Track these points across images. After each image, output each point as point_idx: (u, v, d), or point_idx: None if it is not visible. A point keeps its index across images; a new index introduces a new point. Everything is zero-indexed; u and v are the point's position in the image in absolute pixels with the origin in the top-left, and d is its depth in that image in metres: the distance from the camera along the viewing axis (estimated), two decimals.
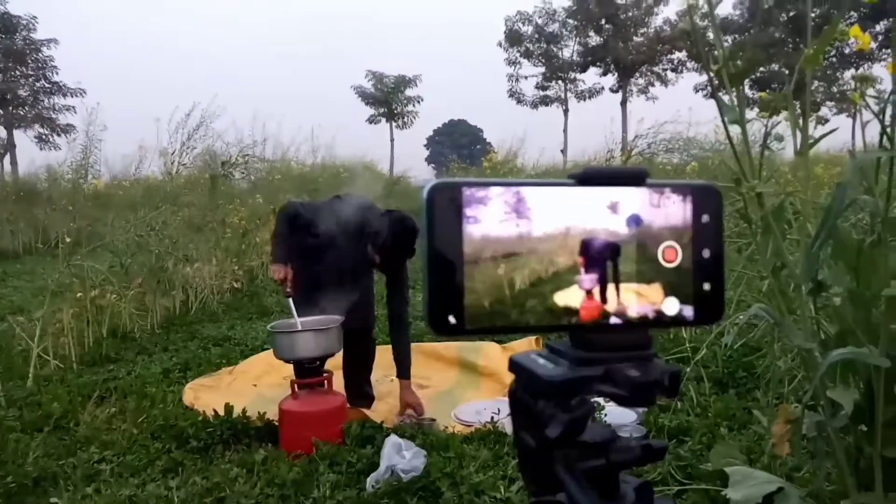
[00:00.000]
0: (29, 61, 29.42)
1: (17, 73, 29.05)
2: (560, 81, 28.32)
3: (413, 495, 2.30)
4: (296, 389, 2.80)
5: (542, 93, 28.83)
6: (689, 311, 0.49)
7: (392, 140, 28.55)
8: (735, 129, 1.29)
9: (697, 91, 25.76)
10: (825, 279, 1.18)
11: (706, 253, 0.49)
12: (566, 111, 27.84)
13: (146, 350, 4.55)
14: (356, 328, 3.06)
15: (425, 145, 62.40)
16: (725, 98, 1.42)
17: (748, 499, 1.20)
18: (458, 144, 56.97)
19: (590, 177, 0.48)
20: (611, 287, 0.48)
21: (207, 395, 3.47)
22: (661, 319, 0.49)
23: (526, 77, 28.81)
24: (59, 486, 2.49)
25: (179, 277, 5.65)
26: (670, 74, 27.41)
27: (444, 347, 4.10)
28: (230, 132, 7.64)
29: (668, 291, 0.49)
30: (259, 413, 2.99)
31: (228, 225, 6.63)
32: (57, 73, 29.79)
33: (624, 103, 27.09)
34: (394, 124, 28.94)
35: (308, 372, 2.83)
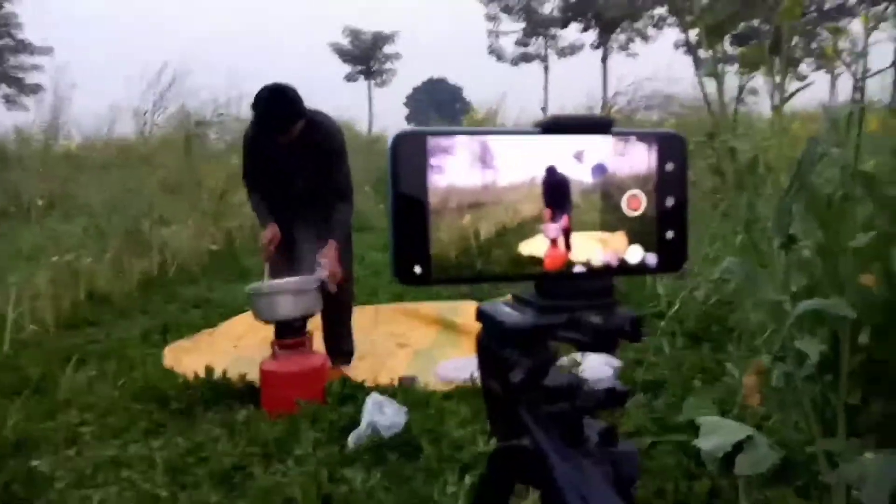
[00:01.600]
0: None
1: None
2: (540, 38, 27.99)
3: (394, 451, 2.34)
4: (276, 350, 2.81)
5: (522, 49, 28.52)
6: (652, 259, 0.50)
7: (370, 98, 28.17)
8: (711, 85, 1.29)
9: (678, 48, 25.63)
10: (796, 233, 1.19)
11: (670, 201, 0.50)
12: (546, 68, 27.62)
13: (125, 313, 4.52)
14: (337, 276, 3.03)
15: (405, 104, 61.66)
16: (702, 54, 1.41)
17: (718, 448, 1.23)
18: (439, 103, 56.31)
19: (555, 125, 0.47)
20: (575, 236, 0.48)
21: (188, 357, 3.47)
22: (624, 267, 0.50)
23: (506, 33, 28.45)
24: (40, 449, 2.50)
25: (156, 239, 5.59)
26: (651, 30, 27.21)
27: (423, 307, 4.12)
28: (205, 90, 7.49)
29: (632, 239, 0.49)
30: (240, 374, 3.00)
31: (205, 186, 6.54)
32: (22, 31, 28.88)
33: (604, 60, 26.89)
34: (372, 82, 28.54)
35: (288, 332, 2.83)
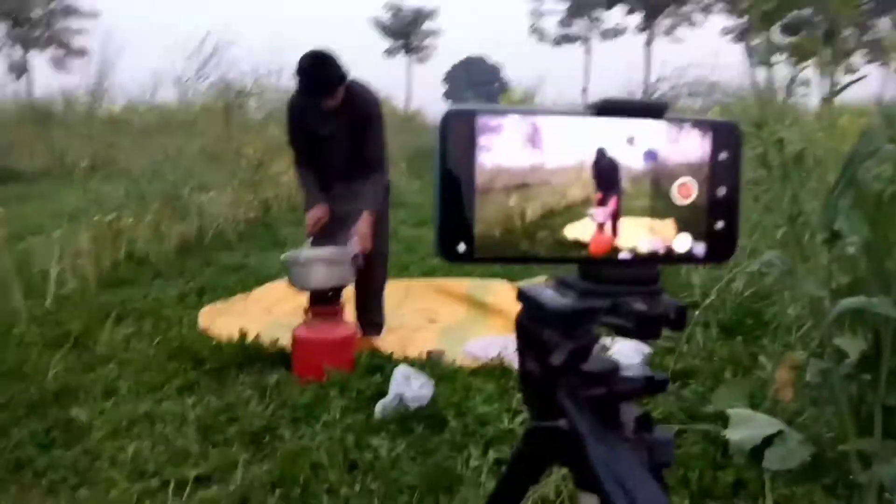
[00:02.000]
0: None
1: None
2: (584, 19, 27.53)
3: (420, 422, 2.37)
4: (308, 317, 2.86)
5: (564, 30, 28.09)
6: (700, 249, 0.49)
7: (409, 74, 28.09)
8: (761, 73, 1.26)
9: (725, 34, 24.99)
10: (842, 228, 1.17)
11: (722, 191, 0.49)
12: (588, 50, 27.18)
13: (162, 274, 4.62)
14: (367, 248, 3.06)
15: (444, 80, 61.29)
16: (754, 41, 1.38)
17: (747, 440, 1.23)
18: (476, 82, 55.87)
19: (608, 107, 0.47)
20: (622, 221, 0.48)
21: (222, 319, 3.55)
22: (671, 255, 0.49)
23: (549, 13, 28.02)
24: (78, 400, 2.59)
25: (195, 205, 5.69)
26: (698, 16, 26.57)
27: (453, 284, 4.14)
28: (245, 61, 7.53)
29: (681, 227, 0.49)
30: (272, 339, 3.06)
31: (243, 155, 6.62)
32: None
33: (648, 44, 26.36)
34: (411, 58, 28.43)
35: (321, 301, 2.88)
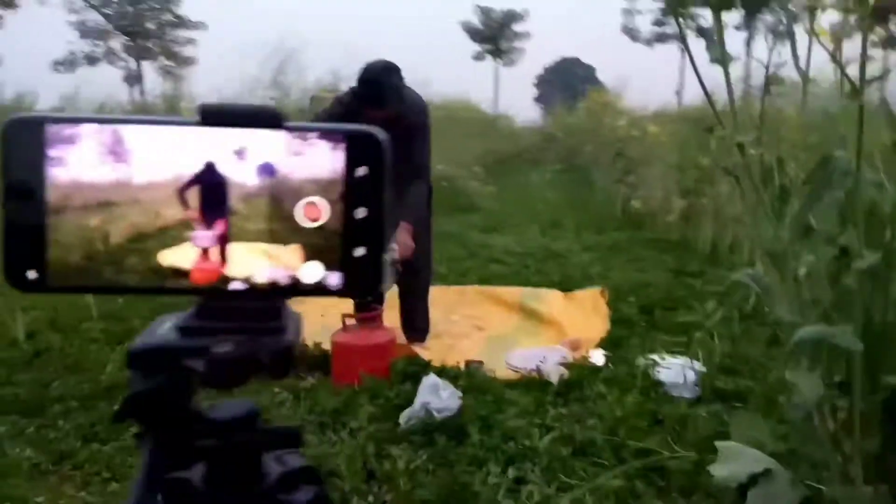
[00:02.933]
0: None
1: (144, 6, 30.67)
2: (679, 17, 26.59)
3: (443, 434, 2.33)
4: (346, 323, 2.88)
5: (658, 29, 27.23)
6: (335, 279, 0.43)
7: (497, 78, 28.07)
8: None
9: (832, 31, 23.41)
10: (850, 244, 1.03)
11: (361, 212, 0.42)
12: (684, 49, 26.21)
13: None
14: (407, 256, 3.05)
15: (535, 84, 60.88)
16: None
17: (732, 477, 1.11)
18: (569, 84, 55.13)
19: (212, 115, 0.41)
20: (233, 246, 0.42)
21: None
22: (297, 286, 0.43)
23: (642, 12, 27.26)
24: None
25: None
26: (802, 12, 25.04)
27: (506, 292, 4.07)
28: (325, 65, 7.70)
29: (310, 255, 0.42)
30: (315, 343, 3.10)
31: None
32: (180, 6, 31.23)
33: (748, 43, 25.13)
34: (499, 61, 28.39)
35: (360, 307, 2.89)
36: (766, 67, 1.17)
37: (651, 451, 2.16)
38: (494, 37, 28.47)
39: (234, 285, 0.42)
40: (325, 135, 0.42)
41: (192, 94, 12.29)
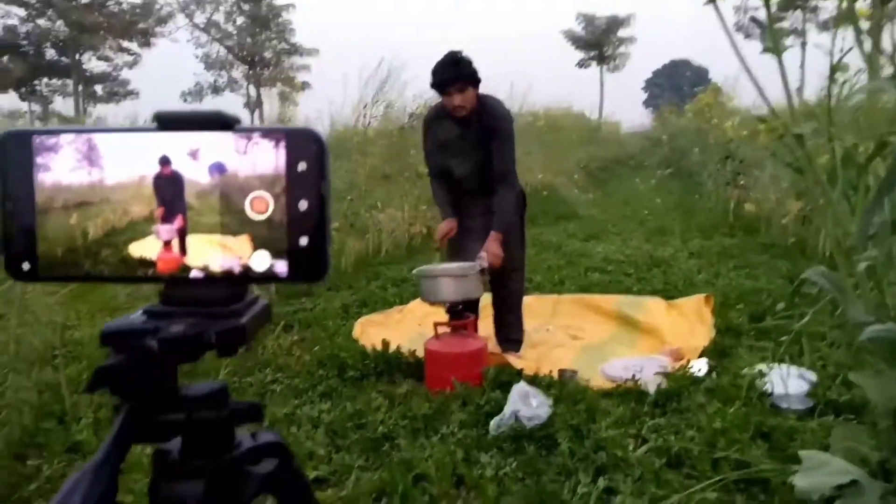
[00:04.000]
0: (272, 25, 32.80)
1: (263, 37, 32.58)
2: (798, 10, 25.02)
3: (533, 442, 2.32)
4: (438, 331, 2.93)
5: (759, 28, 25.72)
6: (282, 267, 0.47)
7: (602, 84, 27.53)
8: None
9: None
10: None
11: (303, 205, 0.46)
12: (804, 44, 24.61)
13: (335, 286, 4.99)
14: (497, 265, 3.06)
15: (643, 88, 59.16)
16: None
17: (816, 488, 1.03)
18: (679, 86, 53.20)
19: (167, 121, 0.46)
20: (192, 238, 0.46)
21: (374, 329, 3.75)
22: (249, 274, 0.47)
23: (756, 8, 25.90)
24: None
25: (372, 222, 6.08)
26: None
27: (603, 300, 3.98)
28: (418, 82, 7.87)
29: (258, 245, 0.46)
30: (410, 350, 3.17)
31: (419, 174, 6.94)
32: (294, 35, 32.94)
33: (877, 31, 23.21)
34: (604, 67, 27.85)
35: (452, 315, 2.94)
36: (830, 55, 1.10)
37: (751, 464, 2.05)
38: (598, 43, 27.98)
39: (194, 274, 0.48)
40: (268, 134, 0.46)
41: (307, 116, 12.94)
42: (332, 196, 0.48)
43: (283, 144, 0.46)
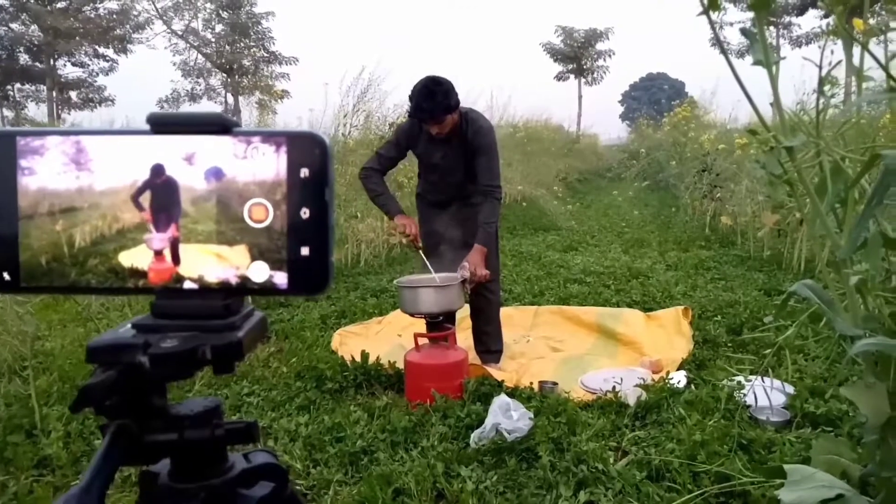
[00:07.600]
0: (251, 34, 32.60)
1: (241, 45, 32.37)
2: (772, 27, 25.49)
3: (514, 455, 2.30)
4: (418, 342, 2.90)
5: (748, 40, 26.19)
6: (281, 279, 0.44)
7: (580, 97, 27.78)
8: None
9: None
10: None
11: (305, 213, 0.43)
12: (777, 61, 25.04)
13: (312, 298, 4.95)
14: (483, 280, 3.04)
15: (620, 101, 59.89)
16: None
17: (800, 502, 1.03)
18: (655, 99, 53.93)
19: (161, 123, 0.43)
20: (186, 248, 0.43)
21: (353, 341, 3.71)
22: (246, 286, 0.44)
23: (731, 24, 26.31)
24: None
25: (351, 232, 6.04)
26: None
27: (583, 312, 3.99)
28: (399, 92, 7.83)
29: (256, 255, 0.43)
30: (390, 362, 3.14)
31: (400, 185, 6.92)
32: (273, 44, 32.77)
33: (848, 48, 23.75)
34: (582, 80, 28.11)
35: (432, 326, 2.91)
36: (819, 67, 1.11)
37: (732, 477, 2.05)
38: (577, 56, 28.24)
39: (187, 285, 0.45)
40: (269, 138, 0.43)
41: (286, 124, 12.89)
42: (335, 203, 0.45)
43: (284, 149, 0.43)
